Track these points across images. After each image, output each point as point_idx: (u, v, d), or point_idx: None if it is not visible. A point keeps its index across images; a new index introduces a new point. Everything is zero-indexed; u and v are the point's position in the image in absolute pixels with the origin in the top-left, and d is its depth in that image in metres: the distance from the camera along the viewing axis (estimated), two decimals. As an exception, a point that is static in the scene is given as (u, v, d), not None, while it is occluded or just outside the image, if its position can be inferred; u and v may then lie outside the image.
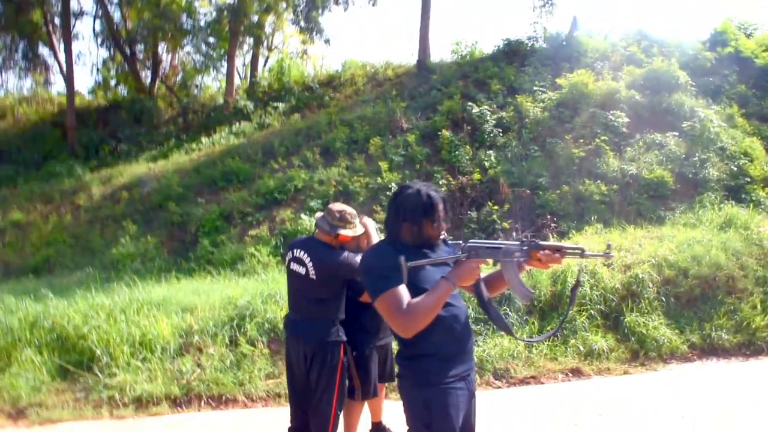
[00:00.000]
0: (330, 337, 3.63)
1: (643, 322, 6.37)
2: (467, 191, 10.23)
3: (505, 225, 9.33)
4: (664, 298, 6.67)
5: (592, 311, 6.51)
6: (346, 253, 3.61)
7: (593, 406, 5.06)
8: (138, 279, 7.89)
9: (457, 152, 10.86)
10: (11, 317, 6.39)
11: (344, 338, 3.67)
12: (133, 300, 6.82)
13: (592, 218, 8.85)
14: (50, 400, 5.44)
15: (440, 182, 10.36)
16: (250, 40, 17.66)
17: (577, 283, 2.61)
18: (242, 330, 6.20)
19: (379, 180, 10.59)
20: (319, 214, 3.84)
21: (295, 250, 3.74)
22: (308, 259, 3.64)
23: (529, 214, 9.55)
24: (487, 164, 10.48)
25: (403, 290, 2.30)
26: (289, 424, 3.85)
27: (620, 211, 9.10)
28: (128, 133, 15.10)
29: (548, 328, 6.36)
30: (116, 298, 6.91)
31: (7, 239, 10.45)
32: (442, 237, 2.59)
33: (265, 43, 19.30)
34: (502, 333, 6.24)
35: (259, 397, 5.58)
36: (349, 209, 3.74)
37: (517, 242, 2.46)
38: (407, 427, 2.52)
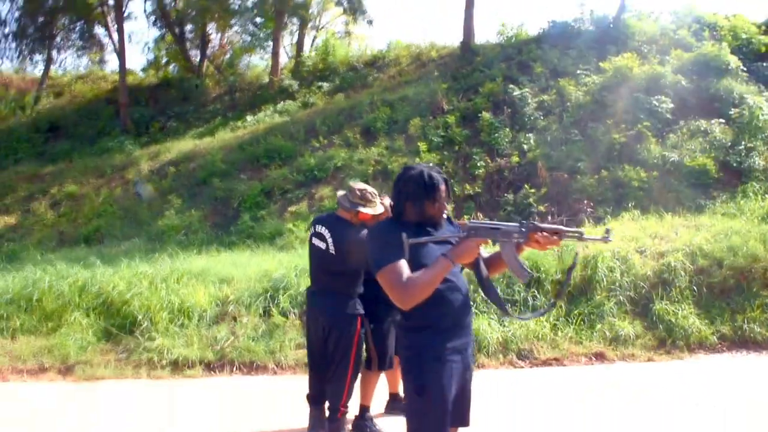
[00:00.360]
0: (347, 310, 3.79)
1: (673, 311, 6.31)
2: (505, 174, 10.22)
3: (541, 208, 9.30)
4: (696, 288, 6.56)
5: (621, 297, 6.51)
6: (364, 231, 3.72)
7: (614, 389, 5.09)
8: (180, 250, 8.23)
9: (496, 134, 10.83)
10: (62, 282, 6.78)
11: (361, 311, 3.83)
12: (174, 270, 7.14)
13: (630, 204, 8.73)
14: (95, 359, 5.80)
15: (478, 164, 10.39)
16: (296, 20, 17.82)
17: (573, 265, 2.65)
18: (275, 301, 6.44)
19: (418, 160, 10.65)
20: (341, 193, 3.99)
21: (317, 226, 3.92)
22: (329, 234, 3.81)
23: (566, 198, 9.48)
24: (526, 147, 10.43)
25: (403, 264, 2.39)
26: (308, 391, 4.07)
27: (659, 198, 8.93)
28: (177, 111, 15.56)
29: (575, 312, 6.40)
30: (159, 267, 7.25)
31: (62, 210, 11.03)
32: (445, 216, 2.67)
33: (311, 24, 19.52)
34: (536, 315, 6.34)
35: (288, 365, 5.80)
36: (370, 189, 3.88)
37: (516, 224, 2.51)
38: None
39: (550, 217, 9.12)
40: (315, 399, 4.06)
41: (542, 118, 11.09)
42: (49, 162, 13.18)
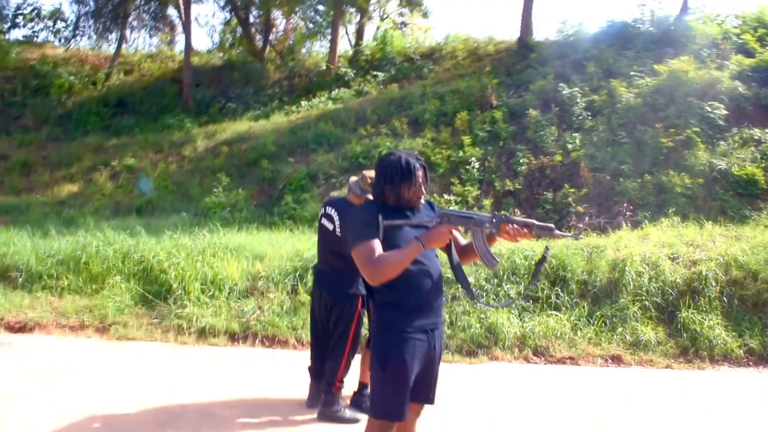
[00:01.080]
0: (349, 290, 4.00)
1: (699, 320, 6.17)
2: (547, 172, 10.13)
3: (580, 209, 9.20)
4: (726, 299, 6.39)
5: (647, 302, 6.42)
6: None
7: (623, 392, 5.07)
8: (222, 227, 8.61)
9: (542, 132, 10.73)
10: (108, 248, 7.26)
11: (363, 292, 3.98)
12: (211, 244, 7.51)
13: (671, 211, 8.52)
14: (130, 321, 6.23)
15: (521, 161, 10.33)
16: (354, 9, 18.02)
17: (543, 259, 2.70)
18: (303, 280, 6.69)
19: (461, 154, 10.72)
20: (353, 179, 4.18)
21: (327, 208, 4.16)
22: (337, 217, 4.03)
23: (607, 200, 9.33)
24: (570, 147, 10.29)
25: (375, 243, 2.54)
26: (309, 364, 4.31)
27: (703, 206, 8.67)
28: (238, 93, 16.06)
29: (597, 313, 6.36)
30: (198, 241, 7.63)
31: (120, 182, 11.67)
32: (424, 201, 2.80)
33: (374, 12, 19.72)
34: (552, 312, 6.34)
35: (308, 342, 6.02)
36: None
37: (489, 215, 2.63)
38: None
39: (587, 218, 9.02)
40: (315, 372, 4.28)
41: (590, 118, 10.90)
42: (114, 136, 13.95)
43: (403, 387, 2.58)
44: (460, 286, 3.22)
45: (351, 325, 4.04)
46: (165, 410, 4.31)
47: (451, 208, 3.99)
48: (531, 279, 2.80)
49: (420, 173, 2.67)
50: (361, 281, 3.98)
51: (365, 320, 4.22)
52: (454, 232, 2.68)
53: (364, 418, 4.17)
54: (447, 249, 2.72)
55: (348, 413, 4.19)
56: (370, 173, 4.06)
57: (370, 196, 3.91)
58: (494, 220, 2.61)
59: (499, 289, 6.53)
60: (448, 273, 4.76)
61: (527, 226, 2.57)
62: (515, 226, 2.57)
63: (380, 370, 2.60)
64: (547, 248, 2.73)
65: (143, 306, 6.52)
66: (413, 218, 2.68)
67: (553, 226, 2.60)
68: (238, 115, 14.77)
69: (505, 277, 6.64)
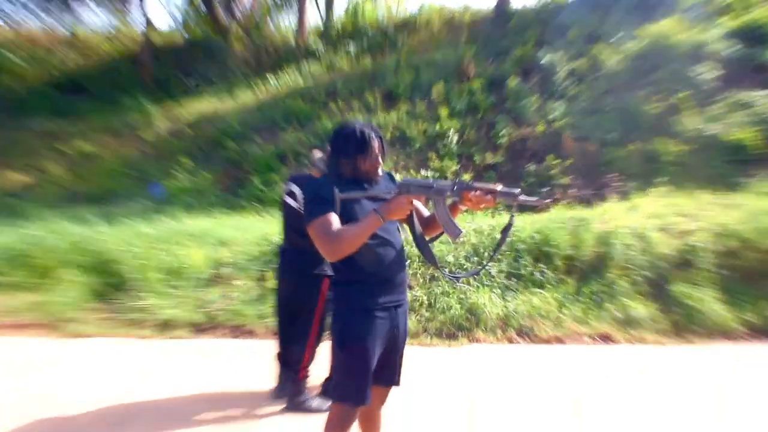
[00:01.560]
0: (314, 270, 3.73)
1: (692, 294, 5.85)
2: (528, 143, 9.73)
3: (565, 181, 8.82)
4: (720, 271, 6.07)
5: (636, 277, 6.07)
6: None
7: (609, 369, 4.80)
8: (188, 213, 8.11)
9: (522, 102, 10.31)
10: (60, 240, 6.72)
11: (328, 273, 3.69)
12: (174, 231, 7.02)
13: (660, 180, 8.17)
14: (85, 317, 5.75)
15: (501, 133, 9.92)
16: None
17: (509, 225, 2.53)
18: (271, 266, 6.24)
19: (438, 127, 10.27)
20: (318, 155, 3.92)
21: (290, 184, 3.88)
22: (300, 194, 3.70)
23: (593, 171, 8.95)
24: (552, 116, 9.88)
25: (332, 217, 2.43)
26: (276, 350, 4.03)
27: (693, 174, 8.31)
28: (201, 72, 15.33)
29: (584, 289, 6.01)
30: (159, 228, 7.12)
31: (76, 169, 10.98)
32: (382, 173, 2.69)
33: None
34: (536, 290, 6.00)
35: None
36: None
37: (450, 182, 2.51)
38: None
39: (573, 190, 8.65)
40: (283, 359, 4.02)
41: (573, 86, 10.49)
42: (67, 120, 13.11)
43: (363, 369, 2.50)
44: (426, 260, 2.96)
45: (315, 307, 3.80)
46: (119, 408, 3.99)
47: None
48: (496, 246, 2.46)
49: (376, 143, 2.58)
50: (327, 262, 3.72)
51: None
52: (416, 202, 2.61)
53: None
54: (409, 220, 2.63)
55: (315, 403, 3.98)
56: None
57: None
58: (455, 188, 2.48)
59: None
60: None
61: (490, 192, 2.42)
62: (478, 192, 2.43)
63: (339, 351, 2.53)
64: (512, 215, 2.52)
65: (99, 300, 6.04)
66: (371, 191, 2.59)
67: (518, 191, 2.41)
68: (201, 95, 14.07)
69: (486, 254, 6.26)
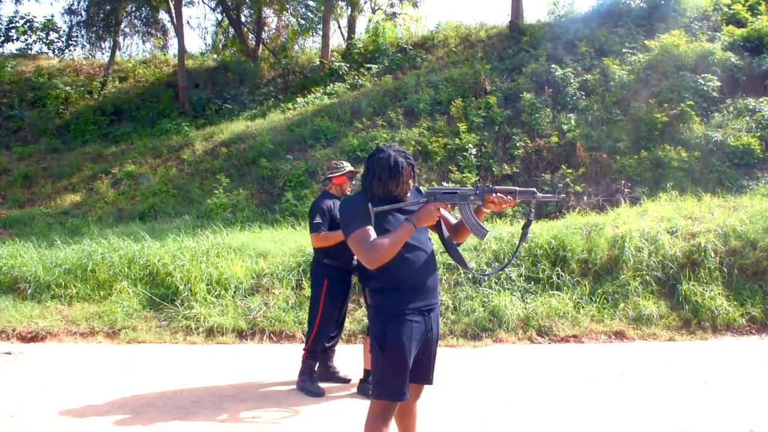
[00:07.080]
0: (316, 271, 4.64)
1: (700, 292, 6.27)
2: (543, 154, 10.20)
3: (578, 189, 9.26)
4: (726, 269, 6.49)
5: (647, 277, 6.50)
6: (320, 197, 4.67)
7: (624, 365, 5.15)
8: (225, 227, 8.71)
9: (537, 115, 10.78)
10: (114, 255, 7.36)
11: (329, 274, 4.52)
12: (215, 244, 7.61)
13: (669, 185, 8.57)
14: (139, 325, 6.32)
15: (517, 145, 10.39)
16: (344, 4, 18.04)
17: (529, 222, 2.80)
18: (307, 275, 6.77)
19: (458, 141, 10.78)
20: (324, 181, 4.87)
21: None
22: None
23: (604, 178, 9.39)
24: (566, 127, 10.35)
25: (369, 230, 2.65)
26: None
27: (700, 178, 8.73)
28: (233, 93, 16.10)
29: (599, 290, 6.44)
30: (201, 242, 7.72)
31: (122, 189, 11.76)
32: (412, 187, 2.89)
33: (366, 5, 19.72)
34: (554, 292, 6.45)
35: (315, 335, 6.14)
36: (333, 161, 4.86)
37: (473, 188, 2.79)
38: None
39: (586, 198, 9.08)
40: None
41: (584, 97, 10.94)
42: (112, 143, 14.02)
43: (402, 368, 2.67)
44: (455, 262, 3.34)
45: (319, 302, 4.52)
46: (175, 405, 4.39)
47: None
48: (520, 240, 2.89)
49: (407, 171, 2.76)
50: (330, 266, 4.52)
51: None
52: (443, 210, 2.80)
53: (329, 395, 4.53)
54: (437, 227, 2.84)
55: (310, 386, 4.55)
56: (327, 165, 4.84)
57: (332, 176, 4.66)
58: (478, 192, 2.75)
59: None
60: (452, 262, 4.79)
61: (510, 193, 2.71)
62: (499, 194, 2.71)
63: (379, 352, 2.69)
64: (531, 211, 2.82)
65: (151, 309, 6.63)
66: (401, 203, 2.79)
67: (534, 190, 2.75)
68: (234, 116, 14.82)
69: (506, 260, 6.72)
